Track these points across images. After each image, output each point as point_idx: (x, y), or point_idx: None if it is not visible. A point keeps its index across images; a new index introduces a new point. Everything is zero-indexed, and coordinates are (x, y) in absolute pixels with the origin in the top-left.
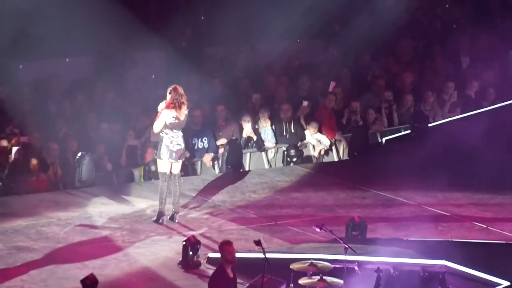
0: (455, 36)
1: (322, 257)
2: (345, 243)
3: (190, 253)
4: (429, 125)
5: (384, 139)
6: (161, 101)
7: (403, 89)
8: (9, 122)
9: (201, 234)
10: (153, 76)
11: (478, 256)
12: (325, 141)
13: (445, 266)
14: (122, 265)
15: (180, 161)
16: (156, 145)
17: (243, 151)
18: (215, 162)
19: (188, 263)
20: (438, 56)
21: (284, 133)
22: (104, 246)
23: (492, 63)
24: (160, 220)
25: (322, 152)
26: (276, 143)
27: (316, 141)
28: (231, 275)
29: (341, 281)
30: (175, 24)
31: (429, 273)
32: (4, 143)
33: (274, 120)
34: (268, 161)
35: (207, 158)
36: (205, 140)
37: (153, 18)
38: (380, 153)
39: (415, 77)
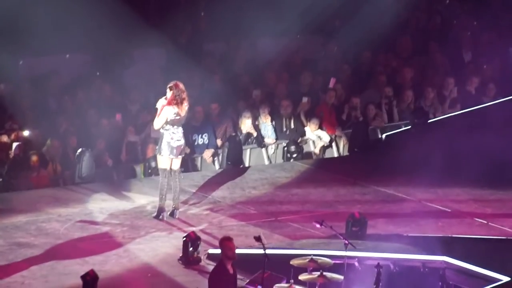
0: (455, 32)
1: (322, 253)
2: (345, 239)
3: (191, 249)
4: (429, 121)
5: (384, 135)
6: (160, 97)
7: (403, 85)
8: (9, 118)
9: (201, 230)
10: (153, 73)
11: (478, 252)
12: (325, 137)
13: (445, 262)
14: (123, 261)
15: (180, 157)
16: (157, 141)
17: (243, 147)
18: (215, 158)
19: (188, 259)
20: (438, 52)
21: (284, 129)
22: (104, 242)
23: (492, 59)
24: (160, 216)
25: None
26: (276, 139)
27: (316, 137)
28: (231, 271)
29: (341, 277)
30: (175, 20)
31: (429, 269)
32: (4, 138)
33: (274, 116)
34: (268, 157)
35: (207, 154)
36: (205, 136)
37: (153, 14)
38: (380, 149)
39: (415, 73)
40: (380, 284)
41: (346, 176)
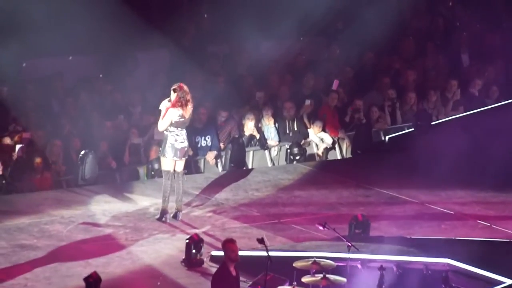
0: (458, 34)
1: (325, 255)
2: (348, 241)
3: (193, 251)
4: (432, 123)
5: (387, 137)
6: (164, 100)
7: (406, 87)
8: (13, 120)
9: (204, 232)
10: (156, 74)
11: (482, 254)
12: (328, 139)
13: (448, 264)
14: (125, 263)
15: (184, 159)
16: (160, 143)
17: (246, 149)
18: (218, 160)
19: (191, 261)
20: (441, 54)
21: (287, 131)
22: (107, 244)
23: (495, 61)
24: (163, 218)
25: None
26: (279, 141)
27: (319, 139)
28: (234, 273)
29: (344, 279)
30: (179, 22)
31: (432, 271)
32: (8, 140)
33: (277, 118)
34: (271, 159)
35: (210, 156)
36: (208, 138)
37: (156, 16)
38: (383, 151)
39: (418, 75)
40: (383, 286)
41: (349, 178)
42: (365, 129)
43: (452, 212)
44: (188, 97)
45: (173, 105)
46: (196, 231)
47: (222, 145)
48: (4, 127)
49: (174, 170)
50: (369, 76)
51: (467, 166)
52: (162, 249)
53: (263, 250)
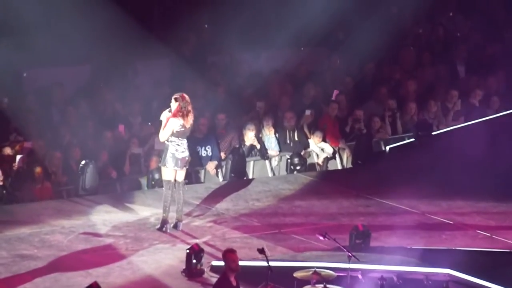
0: (458, 45)
1: (326, 265)
2: (348, 252)
3: (194, 261)
4: (433, 133)
5: (388, 147)
6: (164, 110)
7: (407, 97)
8: (14, 130)
9: (205, 242)
10: (157, 84)
11: (482, 265)
12: (329, 149)
13: (449, 275)
14: (126, 273)
15: (185, 169)
16: (160, 153)
17: (247, 159)
18: (219, 170)
19: (192, 271)
20: (441, 64)
21: (288, 141)
22: (107, 254)
23: (496, 71)
24: (164, 228)
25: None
26: (280, 151)
27: (319, 149)
28: (234, 283)
29: None
30: (179, 32)
31: (432, 281)
32: (8, 150)
33: (278, 128)
34: (271, 169)
35: (211, 166)
36: (208, 148)
37: (157, 26)
38: (384, 161)
39: (419, 85)
40: None
41: (349, 188)
42: (366, 139)
43: (453, 222)
44: (189, 107)
45: (174, 115)
46: (197, 241)
47: (223, 155)
48: (4, 137)
49: (175, 180)
50: (370, 87)
51: (468, 176)
52: (163, 259)
53: (264, 260)
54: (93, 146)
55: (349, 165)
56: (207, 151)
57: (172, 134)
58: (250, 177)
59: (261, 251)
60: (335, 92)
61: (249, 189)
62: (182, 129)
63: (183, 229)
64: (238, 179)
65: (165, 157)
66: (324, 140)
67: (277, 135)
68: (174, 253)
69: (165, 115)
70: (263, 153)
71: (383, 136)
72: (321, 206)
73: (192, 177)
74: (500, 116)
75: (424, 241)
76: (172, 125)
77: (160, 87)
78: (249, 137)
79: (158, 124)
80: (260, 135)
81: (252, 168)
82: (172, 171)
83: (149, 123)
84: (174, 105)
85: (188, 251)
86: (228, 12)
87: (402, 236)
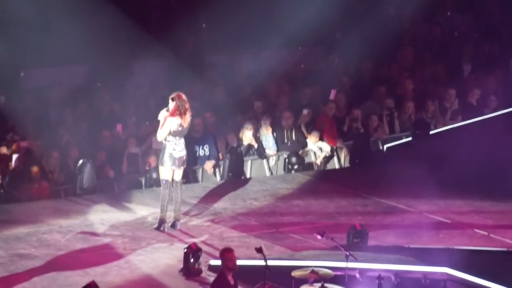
0: (456, 44)
1: (324, 265)
2: (346, 251)
3: (191, 260)
4: (431, 132)
5: (385, 147)
6: (162, 109)
7: (405, 97)
8: (11, 130)
9: (203, 241)
10: (154, 84)
11: (480, 264)
12: (326, 148)
13: (447, 274)
14: (124, 272)
15: (182, 168)
16: (158, 153)
17: (245, 158)
18: (216, 170)
19: (189, 270)
20: (439, 63)
21: (286, 141)
22: (105, 253)
23: (493, 70)
24: (162, 227)
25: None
26: (278, 150)
27: (317, 148)
28: (232, 282)
29: None
30: (177, 32)
31: (430, 280)
32: (5, 150)
33: (276, 127)
34: (269, 168)
35: (208, 165)
36: (206, 147)
37: (155, 26)
38: (381, 161)
39: (416, 85)
40: None
41: (347, 187)
42: (363, 139)
43: (450, 221)
44: (187, 106)
45: (172, 114)
46: (194, 240)
47: (220, 155)
48: (1, 136)
49: (173, 179)
50: (367, 86)
51: (466, 176)
52: (160, 259)
53: (261, 259)
54: (90, 145)
55: (347, 164)
56: (204, 150)
57: (170, 134)
58: (248, 176)
59: (259, 250)
60: (333, 91)
61: (246, 188)
62: (180, 128)
63: (181, 228)
64: (235, 179)
65: (163, 156)
66: (321, 139)
67: (274, 134)
68: (172, 252)
69: (162, 115)
70: (261, 153)
71: (381, 135)
72: (318, 205)
73: (189, 176)
74: (498, 115)
75: (421, 240)
76: (169, 124)
77: (158, 87)
78: (247, 136)
79: (156, 124)
80: (258, 135)
81: (249, 167)
82: (169, 170)
83: (147, 123)
84: (171, 104)
85: (186, 250)
86: (225, 12)
87: (399, 235)
